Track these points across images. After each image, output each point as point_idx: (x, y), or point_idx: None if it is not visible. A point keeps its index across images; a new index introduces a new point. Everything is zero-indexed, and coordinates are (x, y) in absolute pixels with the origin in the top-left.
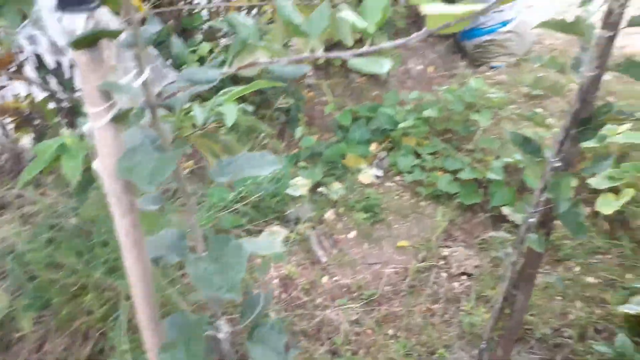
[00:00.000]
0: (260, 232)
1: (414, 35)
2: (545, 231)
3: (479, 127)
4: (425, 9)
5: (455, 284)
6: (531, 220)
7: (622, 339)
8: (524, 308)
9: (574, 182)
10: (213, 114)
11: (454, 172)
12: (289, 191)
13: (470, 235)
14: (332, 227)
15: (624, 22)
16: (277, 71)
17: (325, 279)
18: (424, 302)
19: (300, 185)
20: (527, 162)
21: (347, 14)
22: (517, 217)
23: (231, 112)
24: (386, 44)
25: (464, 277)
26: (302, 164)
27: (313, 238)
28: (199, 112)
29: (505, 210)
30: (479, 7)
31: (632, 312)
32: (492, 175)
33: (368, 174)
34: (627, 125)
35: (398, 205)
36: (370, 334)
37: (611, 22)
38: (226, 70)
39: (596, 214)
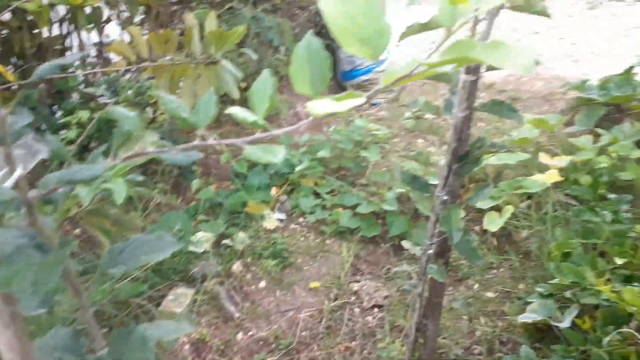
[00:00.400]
0: (163, 297)
1: (302, 122)
2: (444, 260)
3: (369, 162)
4: (312, 109)
5: (369, 318)
6: (430, 251)
7: (525, 350)
8: (435, 335)
9: (462, 212)
10: (100, 191)
11: (353, 207)
12: (192, 248)
13: (376, 267)
14: (242, 279)
15: (484, 67)
16: (169, 160)
17: (240, 336)
18: (342, 342)
19: (202, 240)
20: (417, 197)
21: (235, 110)
22: (416, 250)
23: (120, 188)
24: (278, 130)
25: (376, 309)
26: (202, 217)
27: (222, 294)
28: (84, 192)
29: (405, 244)
30: (360, 100)
31: (529, 320)
32: (387, 207)
33: (272, 219)
34: None
35: (305, 246)
36: None
37: (473, 67)
38: (111, 162)
39: (485, 231)
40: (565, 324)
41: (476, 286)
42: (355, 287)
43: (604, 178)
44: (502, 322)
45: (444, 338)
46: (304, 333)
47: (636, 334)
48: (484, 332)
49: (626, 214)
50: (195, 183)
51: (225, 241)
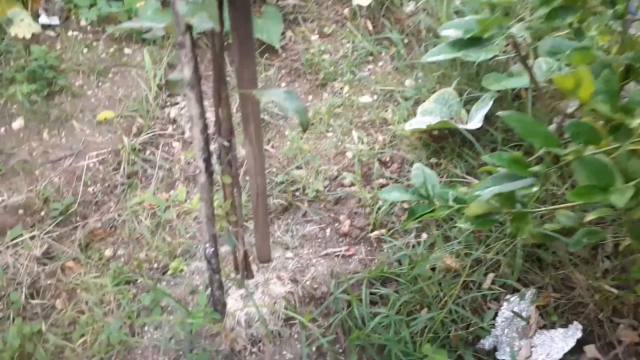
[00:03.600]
0: None
1: None
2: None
3: None
4: None
5: None
6: None
7: (418, 169)
8: (261, 170)
9: None
10: None
11: None
12: None
13: (206, 79)
14: None
15: None
16: None
17: None
18: (156, 191)
19: None
20: None
21: None
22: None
23: None
24: None
25: None
26: None
27: None
28: None
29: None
30: None
31: (421, 127)
32: None
33: (26, 24)
34: None
35: (88, 61)
36: (73, 268)
37: None
38: None
39: (356, 12)
40: (473, 124)
41: (346, 89)
42: (173, 111)
43: None
44: (383, 135)
45: (299, 168)
46: (92, 188)
47: None
48: (357, 152)
49: None
50: None
51: None
